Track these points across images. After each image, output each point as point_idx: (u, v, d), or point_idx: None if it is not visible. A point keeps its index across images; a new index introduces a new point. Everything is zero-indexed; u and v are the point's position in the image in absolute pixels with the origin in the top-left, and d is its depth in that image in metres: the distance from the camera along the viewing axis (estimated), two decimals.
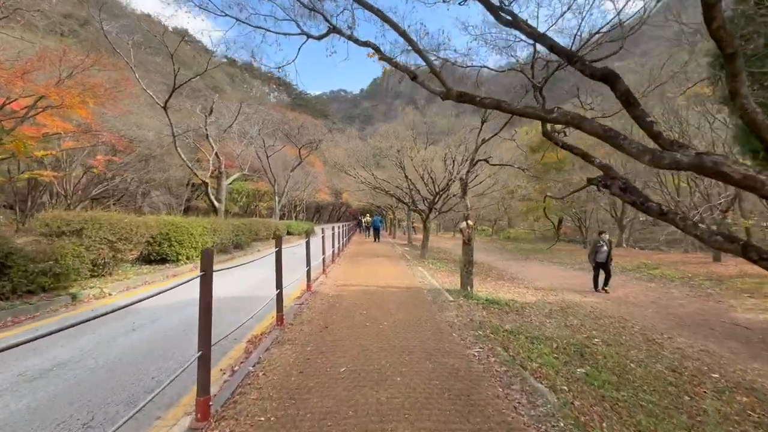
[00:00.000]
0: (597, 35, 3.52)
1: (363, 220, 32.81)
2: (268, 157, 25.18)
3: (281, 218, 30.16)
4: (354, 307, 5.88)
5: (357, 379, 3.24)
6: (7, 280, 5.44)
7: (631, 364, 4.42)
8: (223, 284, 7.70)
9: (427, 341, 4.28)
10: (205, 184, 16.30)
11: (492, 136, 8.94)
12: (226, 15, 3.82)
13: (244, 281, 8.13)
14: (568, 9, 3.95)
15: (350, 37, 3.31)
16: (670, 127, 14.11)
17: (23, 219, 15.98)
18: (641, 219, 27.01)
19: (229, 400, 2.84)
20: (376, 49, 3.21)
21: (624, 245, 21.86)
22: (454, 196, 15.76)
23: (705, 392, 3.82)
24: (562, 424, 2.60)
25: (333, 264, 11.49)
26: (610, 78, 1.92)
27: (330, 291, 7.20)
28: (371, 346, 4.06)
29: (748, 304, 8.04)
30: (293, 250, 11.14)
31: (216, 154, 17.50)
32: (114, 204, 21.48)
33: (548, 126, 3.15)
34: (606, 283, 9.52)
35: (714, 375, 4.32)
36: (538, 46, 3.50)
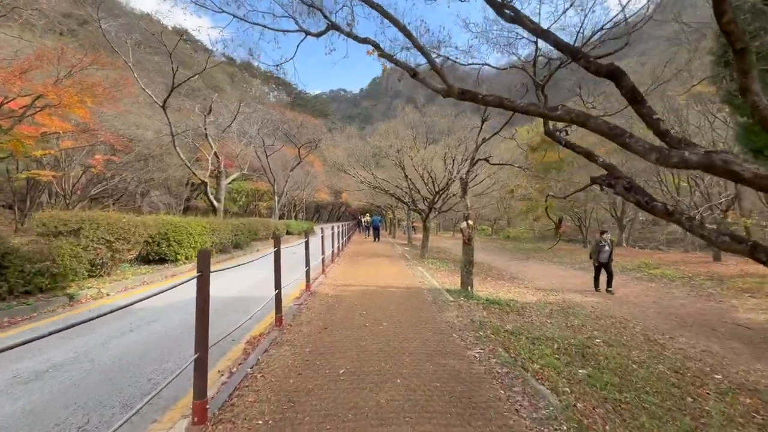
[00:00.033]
0: (600, 32, 3.48)
1: (363, 220, 32.77)
2: (267, 156, 25.13)
3: (281, 218, 30.12)
4: (353, 308, 5.84)
5: (356, 381, 3.20)
6: (4, 281, 5.39)
7: (633, 365, 4.38)
8: (222, 284, 7.66)
9: (428, 342, 4.24)
10: (204, 183, 16.26)
11: (492, 135, 8.89)
12: (223, 11, 3.78)
13: (243, 281, 8.09)
14: (571, 5, 3.91)
15: (349, 34, 3.26)
16: (670, 127, 14.04)
17: (22, 219, 15.93)
18: (641, 218, 27.02)
19: (226, 403, 2.80)
20: (376, 46, 3.16)
21: (624, 245, 21.84)
22: (453, 195, 15.71)
23: (708, 393, 3.78)
24: (565, 428, 2.56)
25: (332, 264, 11.45)
26: (615, 75, 1.88)
27: (329, 291, 7.16)
28: (371, 348, 4.02)
29: (750, 304, 8.01)
30: (293, 250, 11.10)
31: (215, 153, 17.46)
32: (113, 204, 21.42)
33: (550, 125, 3.11)
34: (609, 284, 9.43)
35: (717, 376, 4.28)
36: (540, 44, 3.46)
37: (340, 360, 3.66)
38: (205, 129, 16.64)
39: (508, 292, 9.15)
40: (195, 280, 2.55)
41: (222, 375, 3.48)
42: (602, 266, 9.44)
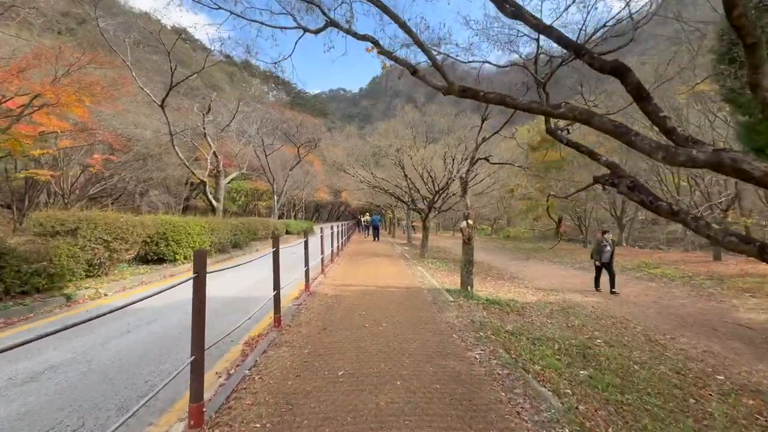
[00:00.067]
0: (602, 30, 3.44)
1: (362, 220, 32.74)
2: (266, 156, 25.06)
3: (280, 217, 30.07)
4: (353, 308, 5.80)
5: (356, 382, 3.16)
6: (0, 281, 5.35)
7: (635, 366, 4.34)
8: (221, 284, 7.62)
9: (428, 343, 4.20)
10: (203, 183, 16.20)
11: (492, 135, 8.85)
12: (220, 8, 3.72)
13: (243, 281, 8.05)
14: (573, 2, 3.86)
15: (348, 31, 3.21)
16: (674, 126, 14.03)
17: (20, 218, 15.86)
18: (640, 218, 27.01)
19: (223, 406, 2.76)
20: (375, 43, 3.11)
21: (624, 244, 21.82)
22: (453, 195, 15.68)
23: (710, 395, 3.74)
24: (567, 431, 2.52)
25: (332, 264, 11.41)
26: (620, 71, 1.84)
27: (329, 291, 7.12)
28: (370, 349, 3.98)
29: (750, 304, 7.98)
30: (292, 250, 11.07)
31: (214, 152, 17.40)
32: (112, 203, 21.34)
33: (552, 123, 3.07)
34: (612, 285, 9.29)
35: (719, 377, 4.25)
36: (542, 41, 3.42)
37: (339, 361, 3.62)
38: (204, 128, 16.58)
39: (508, 292, 9.12)
40: (191, 281, 2.51)
41: (220, 377, 3.44)
42: (603, 266, 9.37)
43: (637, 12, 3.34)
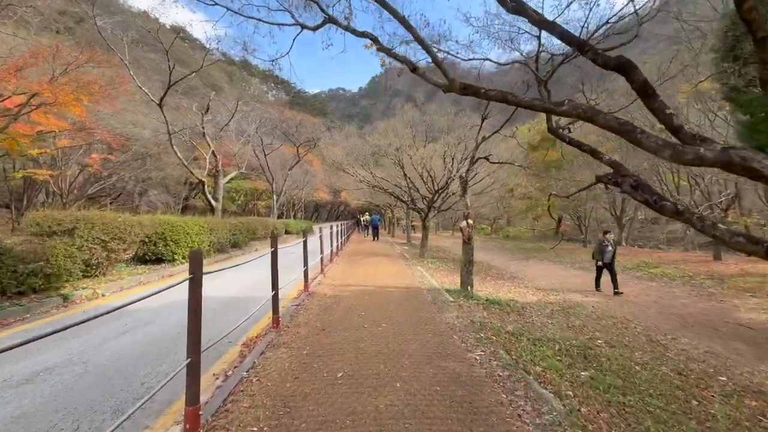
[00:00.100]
0: (605, 26, 3.39)
1: (362, 219, 32.70)
2: (266, 155, 25.01)
3: (279, 217, 30.03)
4: (352, 308, 5.76)
5: (355, 384, 3.12)
6: None
7: (636, 367, 4.31)
8: (220, 284, 7.58)
9: (427, 344, 4.16)
10: (202, 182, 16.15)
11: (493, 134, 8.80)
12: (217, 4, 3.67)
13: (241, 281, 8.01)
14: None
15: (347, 28, 3.16)
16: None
17: (19, 218, 15.79)
18: (640, 217, 26.99)
19: (220, 409, 2.71)
20: (374, 40, 3.06)
21: (623, 243, 21.79)
22: (453, 194, 15.63)
23: (713, 396, 3.71)
24: None
25: (331, 263, 11.37)
26: (625, 67, 1.79)
27: (328, 291, 7.08)
28: (370, 350, 3.94)
29: (751, 304, 7.96)
30: (291, 249, 11.01)
31: (213, 152, 17.33)
32: (111, 203, 21.29)
33: (553, 122, 3.03)
34: (615, 286, 9.12)
35: (721, 378, 4.21)
36: (543, 38, 3.38)
37: (338, 363, 3.58)
38: (203, 127, 16.51)
39: (508, 292, 9.08)
40: (193, 282, 2.47)
41: (217, 378, 3.40)
42: (605, 267, 9.26)
43: (640, 8, 3.30)
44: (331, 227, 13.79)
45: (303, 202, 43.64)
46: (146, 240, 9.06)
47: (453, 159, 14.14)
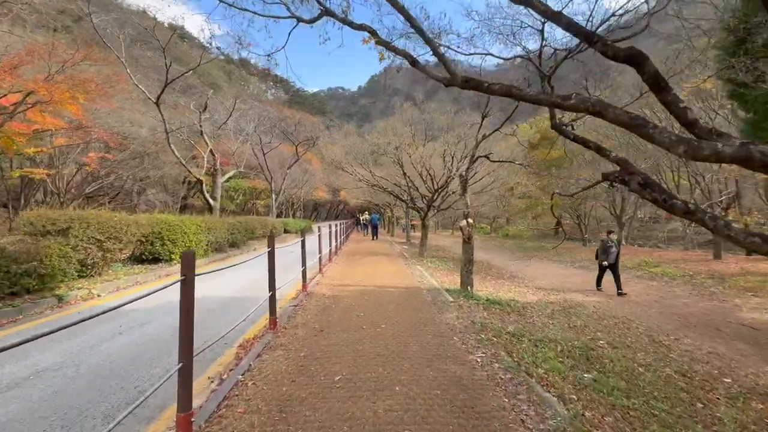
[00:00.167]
0: (614, 17, 3.31)
1: (361, 218, 32.63)
2: (264, 154, 24.90)
3: (278, 216, 29.95)
4: (351, 309, 5.68)
5: (353, 388, 3.04)
6: None
7: (640, 368, 4.24)
8: (217, 285, 7.50)
9: (427, 346, 4.08)
10: (200, 181, 16.05)
11: (493, 132, 8.72)
12: None
13: (239, 281, 7.93)
14: None
15: (344, 21, 3.06)
16: (671, 124, 13.95)
17: (16, 218, 15.67)
18: (640, 216, 26.93)
19: (214, 414, 2.63)
20: (372, 33, 2.96)
21: (623, 243, 21.72)
22: (453, 193, 15.56)
23: (718, 398, 3.64)
24: None
25: (330, 263, 11.29)
26: (636, 59, 1.71)
27: (326, 291, 7.00)
28: (368, 352, 3.86)
29: (753, 303, 7.90)
30: (290, 249, 10.94)
31: (211, 151, 17.22)
32: (109, 202, 21.17)
33: (557, 119, 2.95)
34: (619, 287, 8.98)
35: (726, 380, 4.14)
36: (546, 32, 3.29)
37: (336, 365, 3.50)
38: (201, 126, 16.40)
39: (508, 292, 9.01)
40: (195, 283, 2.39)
41: (212, 381, 3.33)
42: (609, 267, 9.11)
43: (642, 2, 3.22)
44: (330, 226, 13.70)
45: (302, 201, 43.55)
46: (143, 239, 8.96)
47: (453, 158, 14.06)
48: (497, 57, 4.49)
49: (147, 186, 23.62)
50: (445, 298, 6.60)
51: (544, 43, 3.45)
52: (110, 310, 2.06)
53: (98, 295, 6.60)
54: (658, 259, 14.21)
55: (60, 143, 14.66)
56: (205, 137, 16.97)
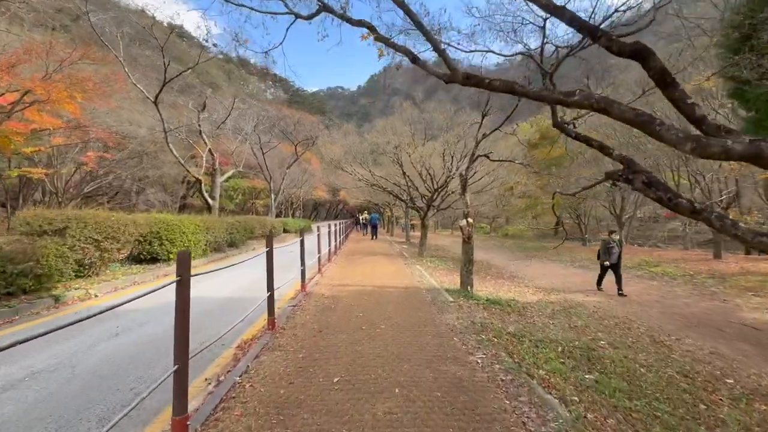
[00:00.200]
0: (617, 14, 3.26)
1: (360, 218, 32.59)
2: (263, 153, 24.83)
3: (278, 216, 29.89)
4: (350, 309, 5.63)
5: (352, 390, 3.00)
6: None
7: (641, 369, 4.20)
8: (215, 285, 7.45)
9: (427, 346, 4.04)
10: (199, 181, 15.99)
11: (493, 131, 8.67)
12: None
13: (238, 281, 7.88)
14: None
15: (342, 16, 3.01)
16: (672, 124, 13.91)
17: (13, 217, 15.60)
18: (639, 216, 26.91)
19: (210, 417, 2.59)
20: (371, 28, 2.92)
21: (623, 242, 21.69)
22: (452, 193, 15.52)
23: (721, 400, 3.60)
24: None
25: (329, 263, 11.24)
26: (642, 54, 1.66)
27: (325, 291, 6.95)
28: (367, 353, 3.82)
29: (754, 303, 7.87)
30: (289, 249, 10.90)
31: (209, 150, 17.16)
32: (108, 202, 21.10)
33: (558, 116, 2.91)
34: (620, 287, 8.90)
35: (728, 380, 4.11)
36: (548, 29, 3.25)
37: (334, 367, 3.46)
38: (199, 125, 16.33)
39: (508, 292, 8.97)
40: (195, 283, 2.34)
41: (209, 383, 3.28)
42: (611, 267, 9.01)
43: None
44: (330, 226, 13.65)
45: (301, 201, 43.47)
46: (141, 239, 8.91)
47: (452, 157, 14.01)
48: (498, 54, 4.43)
49: (146, 186, 23.55)
50: (445, 298, 6.56)
51: (545, 40, 3.41)
52: (105, 311, 2.02)
53: (95, 296, 6.55)
54: (657, 258, 14.18)
55: (58, 142, 14.58)
56: (204, 137, 16.91)
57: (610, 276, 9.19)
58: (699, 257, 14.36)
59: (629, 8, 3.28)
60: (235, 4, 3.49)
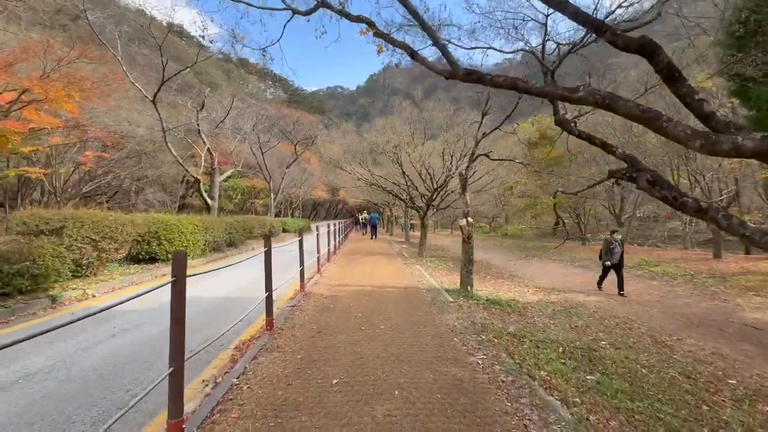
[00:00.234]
0: (620, 9, 3.23)
1: (360, 218, 32.55)
2: (263, 153, 24.76)
3: (277, 215, 29.83)
4: (349, 309, 5.59)
5: (351, 392, 2.95)
6: None
7: (643, 370, 4.16)
8: (212, 285, 7.40)
9: (427, 347, 4.00)
10: (198, 180, 15.92)
11: (493, 130, 8.62)
12: None
13: (237, 281, 7.84)
14: None
15: (341, 12, 2.97)
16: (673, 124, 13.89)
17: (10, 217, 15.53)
18: (639, 215, 26.89)
19: (207, 420, 2.54)
20: (370, 24, 2.87)
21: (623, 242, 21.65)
22: (452, 192, 15.47)
23: (723, 401, 3.57)
24: None
25: (328, 262, 11.20)
26: (648, 49, 1.62)
27: (324, 292, 6.91)
28: (367, 354, 3.78)
29: (755, 303, 7.84)
30: (288, 248, 10.86)
31: (208, 150, 17.09)
32: (107, 201, 21.04)
33: (560, 114, 2.87)
34: (621, 287, 8.81)
35: (731, 381, 4.07)
36: (549, 26, 3.21)
37: (333, 368, 3.42)
38: (198, 124, 16.26)
39: (508, 292, 8.93)
40: (193, 283, 2.29)
41: (207, 385, 3.24)
42: (613, 267, 8.92)
43: None
44: (329, 226, 13.60)
45: (301, 201, 43.41)
46: (139, 239, 8.86)
47: (452, 156, 13.97)
48: (499, 51, 4.39)
49: (145, 185, 23.49)
50: (445, 299, 6.52)
51: (547, 36, 3.37)
52: (100, 311, 1.97)
53: (93, 296, 6.50)
54: (657, 258, 14.15)
55: (56, 142, 14.51)
56: (203, 136, 16.84)
57: (610, 276, 9.14)
58: (699, 257, 14.33)
59: (631, 4, 3.24)
60: (233, 0, 3.45)
